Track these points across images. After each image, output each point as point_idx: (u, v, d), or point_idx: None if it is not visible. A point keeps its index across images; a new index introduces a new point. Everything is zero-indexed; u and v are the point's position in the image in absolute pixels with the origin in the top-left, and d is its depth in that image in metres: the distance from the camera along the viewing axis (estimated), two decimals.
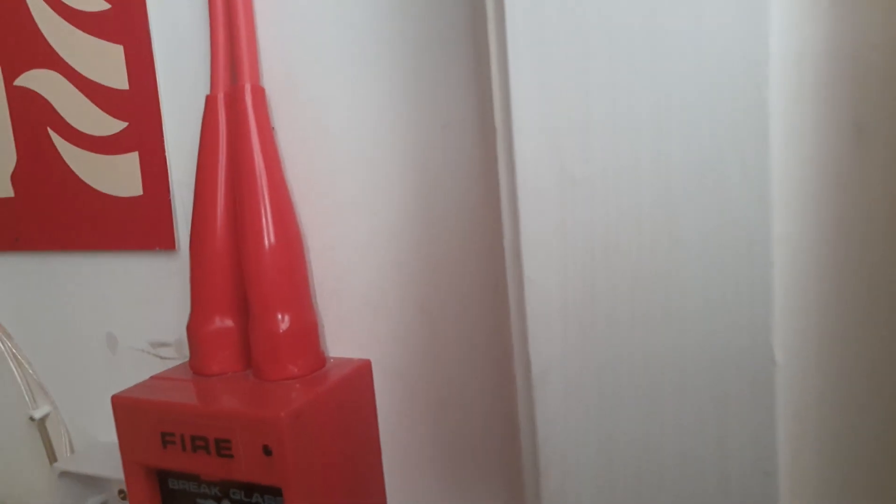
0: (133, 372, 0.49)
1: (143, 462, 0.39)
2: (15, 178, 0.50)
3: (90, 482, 0.50)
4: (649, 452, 0.24)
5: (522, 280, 0.24)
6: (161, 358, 0.48)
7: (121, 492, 0.48)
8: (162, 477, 0.40)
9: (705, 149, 0.22)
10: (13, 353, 0.54)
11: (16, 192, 0.50)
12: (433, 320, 0.38)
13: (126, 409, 0.39)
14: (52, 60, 0.45)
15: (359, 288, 0.40)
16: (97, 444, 0.52)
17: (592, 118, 0.23)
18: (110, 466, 0.48)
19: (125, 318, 0.49)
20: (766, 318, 0.22)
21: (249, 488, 0.37)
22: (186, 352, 0.47)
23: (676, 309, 0.23)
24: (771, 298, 0.21)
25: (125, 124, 0.44)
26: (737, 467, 0.23)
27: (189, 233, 0.41)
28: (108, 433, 0.52)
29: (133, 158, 0.44)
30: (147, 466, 0.39)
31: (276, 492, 0.37)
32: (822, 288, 0.23)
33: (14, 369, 0.53)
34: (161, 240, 0.45)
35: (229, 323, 0.40)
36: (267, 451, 0.34)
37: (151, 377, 0.42)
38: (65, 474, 0.49)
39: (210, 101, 0.39)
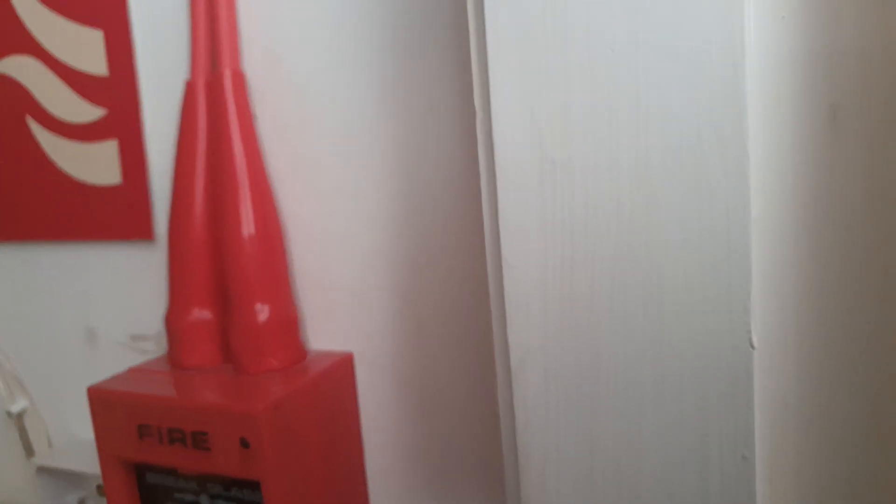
0: (112, 366, 0.48)
1: (119, 455, 0.38)
2: None
3: (68, 478, 0.49)
4: (629, 437, 0.24)
5: (501, 265, 0.24)
6: (141, 352, 0.47)
7: (99, 487, 0.47)
8: (140, 471, 0.40)
9: (683, 129, 0.21)
10: None
11: None
12: (417, 312, 0.38)
13: (102, 401, 0.38)
14: (31, 46, 0.45)
15: (341, 279, 0.39)
16: (76, 440, 0.51)
17: (572, 100, 0.22)
18: (88, 462, 0.47)
19: (104, 310, 0.48)
20: (743, 301, 0.21)
21: (227, 482, 0.37)
22: (166, 345, 0.46)
23: (655, 293, 0.22)
24: (749, 281, 0.21)
25: (104, 111, 0.43)
26: (716, 452, 0.22)
27: (168, 222, 0.40)
28: (86, 429, 0.51)
29: (112, 146, 0.44)
30: (124, 460, 0.39)
31: (254, 485, 0.36)
32: (800, 271, 0.22)
33: None
34: (139, 230, 0.44)
35: (208, 315, 0.39)
36: (244, 444, 0.34)
37: (129, 369, 0.41)
38: (43, 469, 0.48)
39: (190, 88, 0.38)
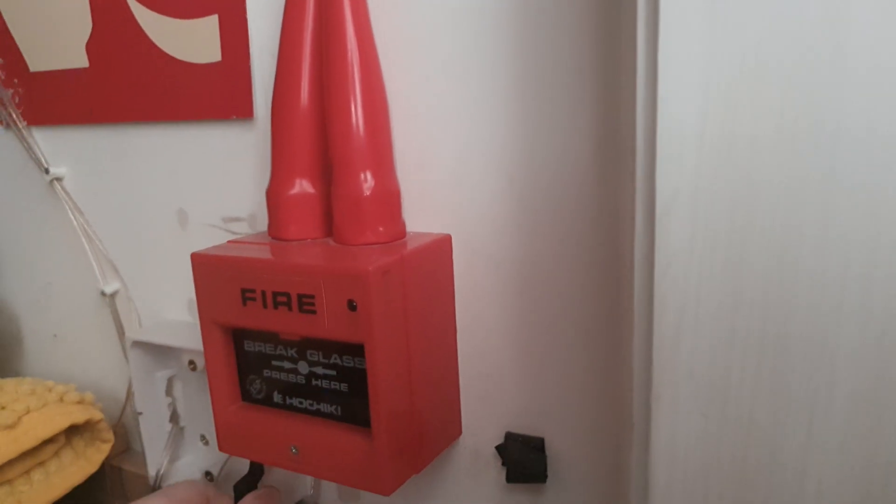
0: (203, 248, 0.49)
1: (221, 321, 0.39)
2: (90, 47, 0.49)
3: (159, 354, 0.50)
4: (780, 287, 0.23)
5: (656, 101, 0.23)
6: (233, 233, 0.48)
7: (191, 362, 0.49)
8: (238, 339, 0.40)
9: None
10: (84, 229, 0.54)
11: (91, 62, 0.49)
12: (522, 193, 0.37)
13: (206, 266, 0.38)
14: None
15: (442, 160, 0.39)
16: (165, 321, 0.53)
17: None
18: (180, 339, 0.49)
19: (197, 192, 0.48)
20: None
21: (328, 348, 0.37)
22: (259, 227, 0.47)
23: (830, 127, 0.21)
24: None
25: None
26: (880, 305, 0.21)
27: (268, 100, 0.40)
28: (175, 311, 0.53)
29: (212, 22, 0.43)
30: (225, 326, 0.39)
31: (355, 351, 0.36)
32: None
33: (85, 244, 0.54)
34: (238, 108, 0.44)
35: (310, 188, 0.39)
36: (352, 306, 0.34)
37: (228, 241, 0.42)
38: (136, 345, 0.49)
39: None
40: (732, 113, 0.22)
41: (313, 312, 0.35)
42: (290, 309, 0.36)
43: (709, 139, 0.23)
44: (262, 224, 0.46)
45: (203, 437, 0.53)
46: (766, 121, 0.22)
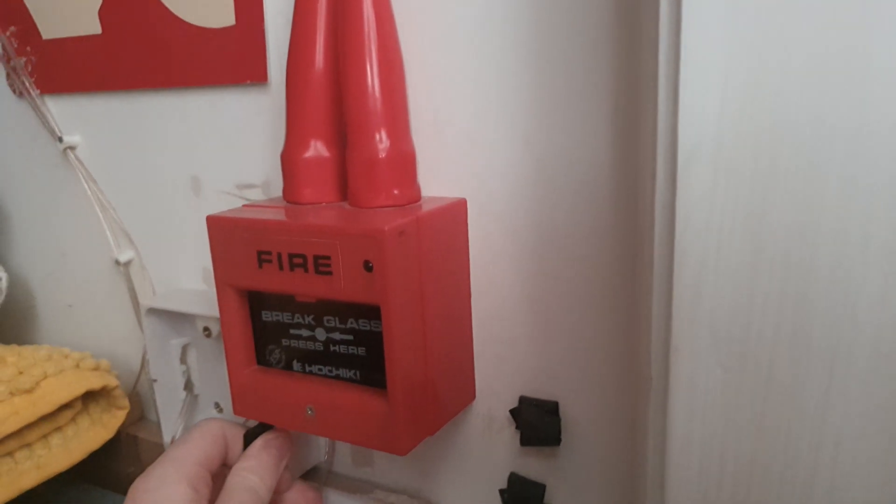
0: None
1: (237, 284, 0.39)
2: (103, 13, 0.49)
3: (174, 321, 0.51)
4: (803, 241, 0.23)
5: (679, 50, 0.23)
6: (246, 200, 0.48)
7: (205, 329, 0.49)
8: (255, 308, 0.40)
9: None
10: (98, 197, 0.54)
11: (103, 29, 0.49)
12: (538, 155, 0.36)
13: (221, 228, 0.38)
14: None
15: (457, 121, 0.39)
16: (179, 289, 0.53)
17: None
18: (194, 306, 0.49)
19: (211, 158, 0.48)
20: None
21: (345, 314, 0.38)
22: (273, 194, 0.47)
23: (858, 77, 0.21)
24: None
25: None
26: None
27: (283, 63, 0.40)
28: (190, 279, 0.53)
29: None
30: (240, 288, 0.40)
31: (371, 314, 0.36)
32: None
33: (99, 213, 0.54)
34: (253, 72, 0.44)
35: (325, 152, 0.39)
36: (368, 267, 0.34)
37: (243, 205, 0.42)
38: (151, 311, 0.50)
39: None
40: (757, 60, 0.22)
41: (329, 274, 0.35)
42: (305, 271, 0.36)
43: (732, 87, 0.22)
44: (276, 191, 0.46)
45: (217, 405, 0.53)
46: (792, 69, 0.22)
